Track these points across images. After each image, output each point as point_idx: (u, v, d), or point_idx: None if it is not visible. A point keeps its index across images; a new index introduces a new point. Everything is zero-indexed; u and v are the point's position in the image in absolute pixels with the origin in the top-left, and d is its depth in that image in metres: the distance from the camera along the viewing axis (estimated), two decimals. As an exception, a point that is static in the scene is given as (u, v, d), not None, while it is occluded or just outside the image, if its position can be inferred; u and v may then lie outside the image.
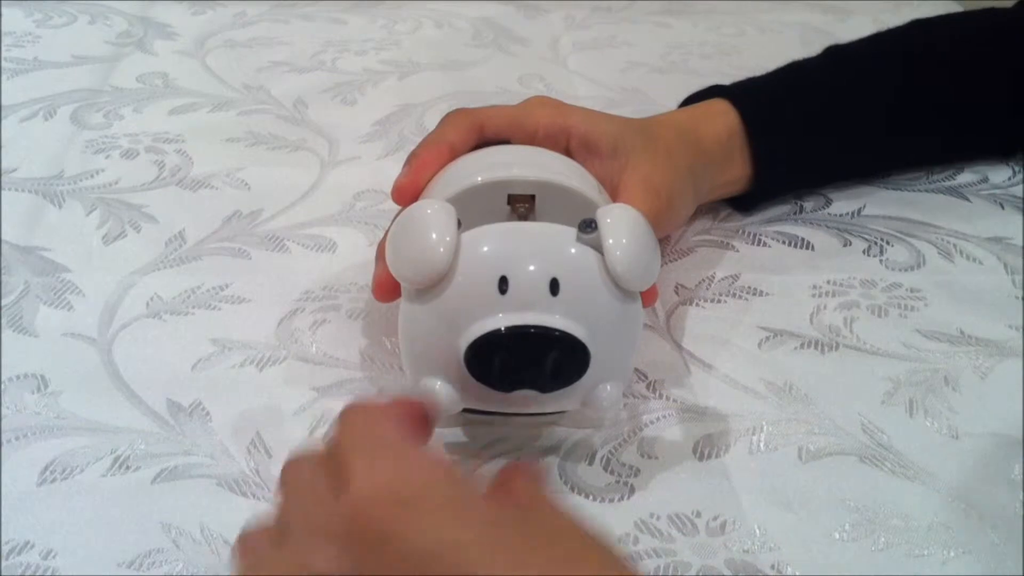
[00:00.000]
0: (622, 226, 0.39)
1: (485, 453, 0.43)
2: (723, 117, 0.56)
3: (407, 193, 0.46)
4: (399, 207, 0.46)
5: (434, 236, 0.38)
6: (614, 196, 0.48)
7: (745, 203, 0.59)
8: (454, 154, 0.48)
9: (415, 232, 0.39)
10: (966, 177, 0.64)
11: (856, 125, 0.59)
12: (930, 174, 0.64)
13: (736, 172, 0.57)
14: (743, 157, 0.57)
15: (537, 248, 0.39)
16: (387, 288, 0.44)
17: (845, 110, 0.59)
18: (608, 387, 0.40)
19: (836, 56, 0.61)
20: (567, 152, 0.50)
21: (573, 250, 0.39)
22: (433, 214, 0.39)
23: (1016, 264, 0.56)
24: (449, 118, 0.50)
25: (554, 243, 0.39)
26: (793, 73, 0.60)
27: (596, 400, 0.40)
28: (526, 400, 0.39)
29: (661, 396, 0.47)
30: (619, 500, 0.41)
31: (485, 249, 0.38)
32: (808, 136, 0.58)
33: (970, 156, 0.65)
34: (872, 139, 0.61)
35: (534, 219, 0.44)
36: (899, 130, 0.60)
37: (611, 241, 0.38)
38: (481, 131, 0.49)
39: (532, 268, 0.38)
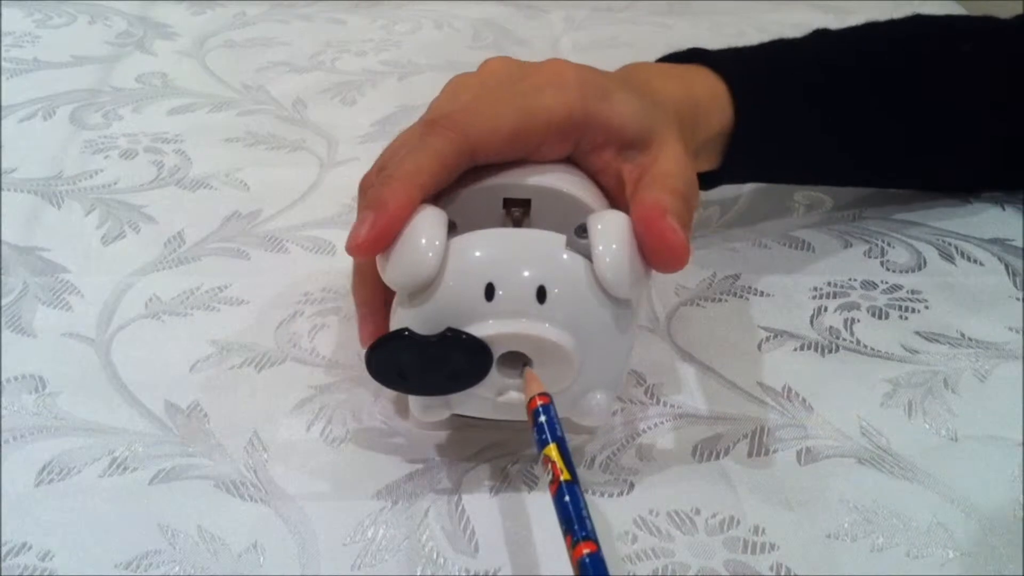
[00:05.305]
0: (612, 232, 0.38)
1: (479, 457, 0.43)
2: (719, 115, 0.51)
3: (373, 251, 0.39)
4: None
5: (423, 241, 0.38)
6: (633, 191, 0.43)
7: (707, 180, 0.54)
8: (427, 195, 0.40)
9: (404, 236, 0.38)
10: (966, 178, 0.64)
11: (843, 107, 0.55)
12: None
13: (710, 165, 0.53)
14: (719, 149, 0.53)
15: (525, 255, 0.38)
16: (366, 242, 0.38)
17: (832, 90, 0.56)
18: (598, 395, 0.40)
19: (824, 36, 0.59)
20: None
21: (563, 257, 0.38)
22: (423, 218, 0.38)
23: (1017, 266, 0.56)
24: (430, 139, 0.40)
25: (543, 250, 0.39)
26: (783, 51, 0.57)
27: (585, 408, 0.40)
28: (515, 407, 0.39)
29: (659, 400, 0.46)
30: (619, 495, 0.41)
31: (473, 255, 0.38)
32: (791, 119, 0.54)
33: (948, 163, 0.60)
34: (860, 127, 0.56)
35: (529, 225, 0.44)
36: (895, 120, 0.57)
37: (600, 248, 0.38)
38: (472, 156, 0.41)
39: (519, 275, 0.38)
